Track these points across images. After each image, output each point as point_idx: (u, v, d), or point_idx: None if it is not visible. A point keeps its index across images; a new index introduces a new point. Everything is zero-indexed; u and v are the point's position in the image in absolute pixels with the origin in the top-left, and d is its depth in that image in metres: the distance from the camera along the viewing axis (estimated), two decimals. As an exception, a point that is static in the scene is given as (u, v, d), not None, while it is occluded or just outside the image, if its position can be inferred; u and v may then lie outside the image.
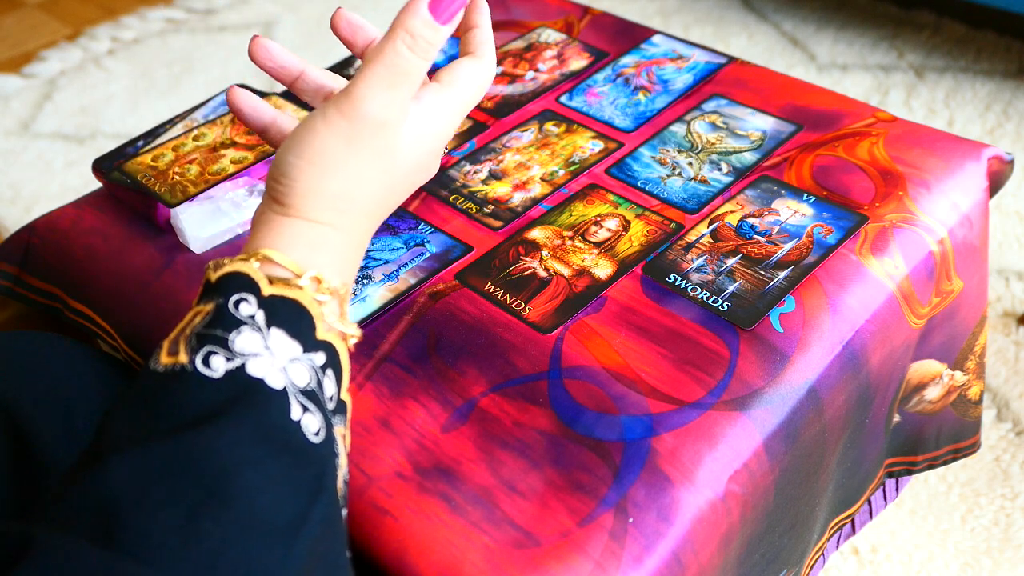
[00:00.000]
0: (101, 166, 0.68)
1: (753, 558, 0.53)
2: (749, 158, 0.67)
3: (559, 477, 0.47)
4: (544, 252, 0.60)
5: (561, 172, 0.67)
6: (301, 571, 0.33)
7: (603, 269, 0.59)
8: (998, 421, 0.93)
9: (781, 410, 0.51)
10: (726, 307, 0.55)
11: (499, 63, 0.79)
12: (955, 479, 0.88)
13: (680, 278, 0.57)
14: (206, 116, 0.72)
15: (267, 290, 0.37)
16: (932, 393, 0.67)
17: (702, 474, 0.47)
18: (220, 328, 0.36)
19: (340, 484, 0.38)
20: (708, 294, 0.56)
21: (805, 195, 0.63)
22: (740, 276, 0.57)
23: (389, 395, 0.52)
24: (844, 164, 0.65)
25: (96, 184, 0.71)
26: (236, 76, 1.55)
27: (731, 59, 0.77)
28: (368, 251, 0.61)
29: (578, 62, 0.79)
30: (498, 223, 0.63)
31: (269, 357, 0.36)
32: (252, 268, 0.38)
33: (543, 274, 0.58)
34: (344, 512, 0.39)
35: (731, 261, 0.58)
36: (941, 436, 0.72)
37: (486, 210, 0.64)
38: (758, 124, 0.70)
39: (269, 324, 0.36)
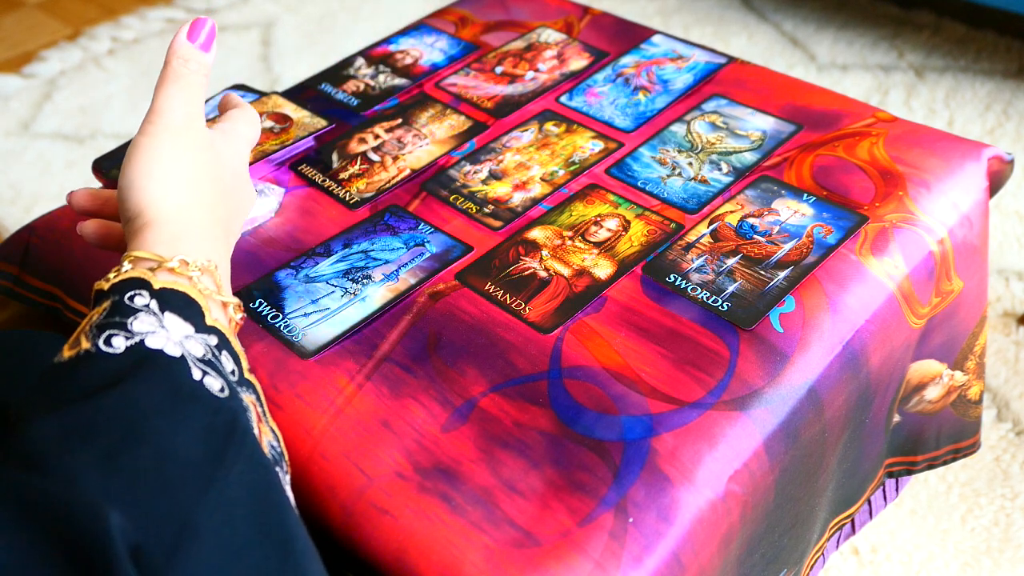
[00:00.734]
0: (101, 166, 0.68)
1: (753, 558, 0.53)
2: (749, 158, 0.67)
3: (559, 477, 0.47)
4: (544, 252, 0.60)
5: (561, 172, 0.67)
6: (222, 507, 0.35)
7: (603, 269, 0.58)
8: (998, 421, 0.93)
9: (781, 410, 0.51)
10: (726, 307, 0.55)
11: (499, 63, 0.79)
12: (955, 479, 0.88)
13: (680, 278, 0.57)
14: (206, 115, 0.72)
15: (158, 284, 0.41)
16: (932, 393, 0.68)
17: (702, 474, 0.47)
18: (118, 316, 0.39)
19: (265, 447, 0.40)
20: (708, 294, 0.56)
21: (805, 195, 0.63)
22: (740, 276, 0.57)
23: (389, 395, 0.52)
24: (844, 164, 0.65)
25: (96, 184, 0.71)
26: (236, 76, 1.55)
27: (731, 59, 0.77)
28: (368, 251, 0.61)
29: (578, 62, 0.79)
30: (498, 223, 0.63)
31: (164, 333, 0.39)
32: (141, 270, 0.41)
33: (543, 274, 0.58)
34: (283, 474, 0.41)
35: (731, 261, 0.58)
36: (941, 436, 0.72)
37: (486, 210, 0.64)
38: (758, 124, 0.70)
39: (163, 309, 0.40)
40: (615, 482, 0.47)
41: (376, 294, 0.58)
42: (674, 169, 0.66)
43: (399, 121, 0.73)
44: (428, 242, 0.62)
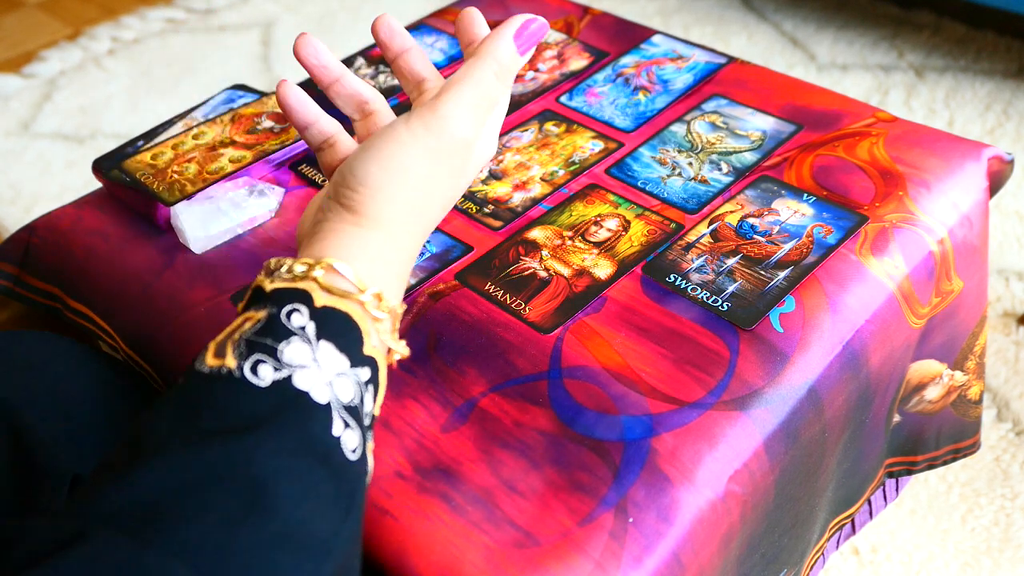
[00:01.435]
0: (101, 166, 0.68)
1: (753, 558, 0.53)
2: (749, 158, 0.67)
3: (559, 477, 0.47)
4: (544, 252, 0.60)
5: (561, 172, 0.67)
6: None
7: (603, 269, 0.58)
8: (998, 421, 0.93)
9: (781, 410, 0.51)
10: (726, 307, 0.55)
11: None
12: (955, 479, 0.88)
13: (680, 278, 0.57)
14: (206, 115, 0.72)
15: (320, 301, 0.37)
16: (932, 393, 0.67)
17: (702, 474, 0.47)
18: (271, 337, 0.36)
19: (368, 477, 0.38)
20: (708, 294, 0.56)
21: (805, 195, 0.63)
22: (740, 276, 0.57)
23: (389, 395, 0.52)
24: (844, 164, 0.65)
25: (96, 184, 0.71)
26: (236, 76, 1.55)
27: (731, 59, 0.77)
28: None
29: (578, 62, 0.79)
30: (498, 223, 0.63)
31: (316, 370, 0.36)
32: (308, 283, 0.38)
33: (543, 274, 0.58)
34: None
35: (731, 261, 0.58)
36: (941, 436, 0.72)
37: (486, 210, 0.64)
38: (758, 124, 0.70)
39: (319, 336, 0.36)
40: (615, 482, 0.47)
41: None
42: (674, 169, 0.66)
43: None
44: (428, 242, 0.62)
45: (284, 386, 0.35)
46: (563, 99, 0.75)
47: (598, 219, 0.62)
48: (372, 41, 0.95)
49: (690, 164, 0.67)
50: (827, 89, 0.73)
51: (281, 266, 0.39)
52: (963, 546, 0.83)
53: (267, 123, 0.71)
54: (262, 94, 0.75)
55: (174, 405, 0.35)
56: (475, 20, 0.46)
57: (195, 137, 0.69)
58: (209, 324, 0.57)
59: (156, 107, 1.50)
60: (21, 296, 0.66)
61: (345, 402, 0.36)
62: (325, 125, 0.47)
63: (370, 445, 0.38)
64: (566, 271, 0.59)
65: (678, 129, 0.70)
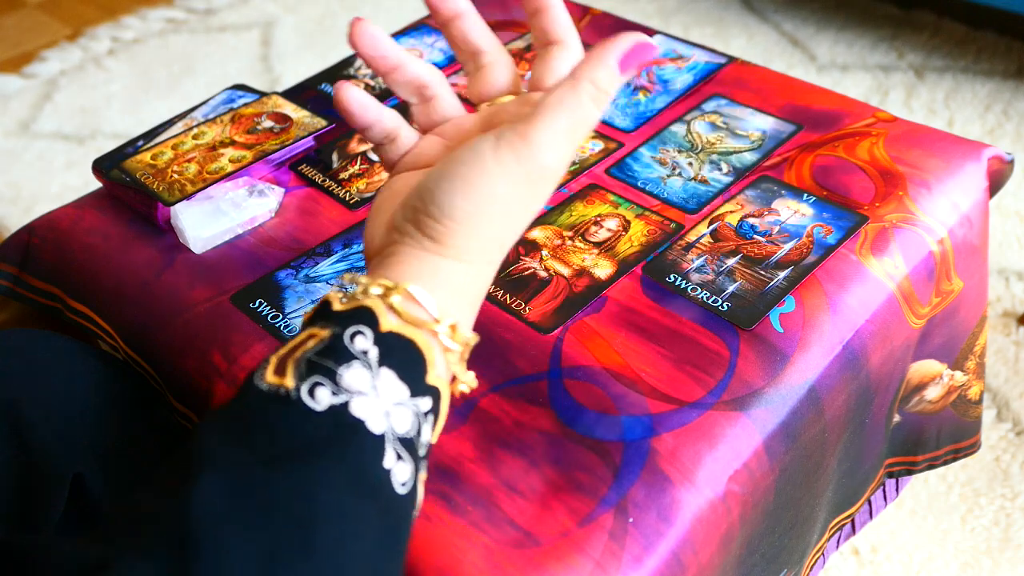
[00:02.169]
0: (101, 166, 0.68)
1: (753, 558, 0.53)
2: (749, 158, 0.67)
3: (559, 477, 0.47)
4: (544, 252, 0.60)
5: (561, 172, 0.67)
6: None
7: (603, 269, 0.59)
8: (998, 421, 0.93)
9: (781, 410, 0.51)
10: (726, 307, 0.55)
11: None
12: (955, 479, 0.88)
13: (680, 278, 0.57)
14: (206, 115, 0.72)
15: (385, 326, 0.36)
16: (932, 393, 0.67)
17: (702, 474, 0.47)
18: (332, 360, 0.35)
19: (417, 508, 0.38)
20: (708, 294, 0.56)
21: (805, 195, 0.63)
22: (740, 276, 0.57)
23: (389, 395, 0.52)
24: (844, 164, 0.65)
25: (96, 184, 0.71)
26: (236, 76, 1.55)
27: (731, 59, 0.77)
28: (368, 251, 0.61)
29: (578, 62, 0.79)
30: (498, 223, 0.63)
31: (375, 398, 0.35)
32: (377, 301, 0.37)
33: (543, 274, 0.58)
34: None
35: (731, 261, 0.58)
36: (941, 436, 0.72)
37: (486, 210, 0.64)
38: (758, 124, 0.70)
39: (381, 363, 0.35)
40: (615, 482, 0.47)
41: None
42: (674, 169, 0.66)
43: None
44: (428, 242, 0.62)
45: (340, 412, 0.34)
46: (563, 99, 0.74)
47: (598, 219, 0.62)
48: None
49: (690, 164, 0.67)
50: (827, 89, 0.73)
51: (355, 283, 0.38)
52: (963, 546, 0.83)
53: (267, 123, 0.71)
54: (262, 94, 0.75)
55: (227, 420, 0.35)
56: None
57: (195, 137, 0.69)
58: (209, 324, 0.57)
59: (156, 107, 1.51)
60: (21, 296, 0.66)
61: (400, 433, 0.35)
62: (387, 121, 0.45)
63: (422, 476, 0.38)
64: (566, 271, 0.59)
65: (678, 129, 0.70)
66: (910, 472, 0.72)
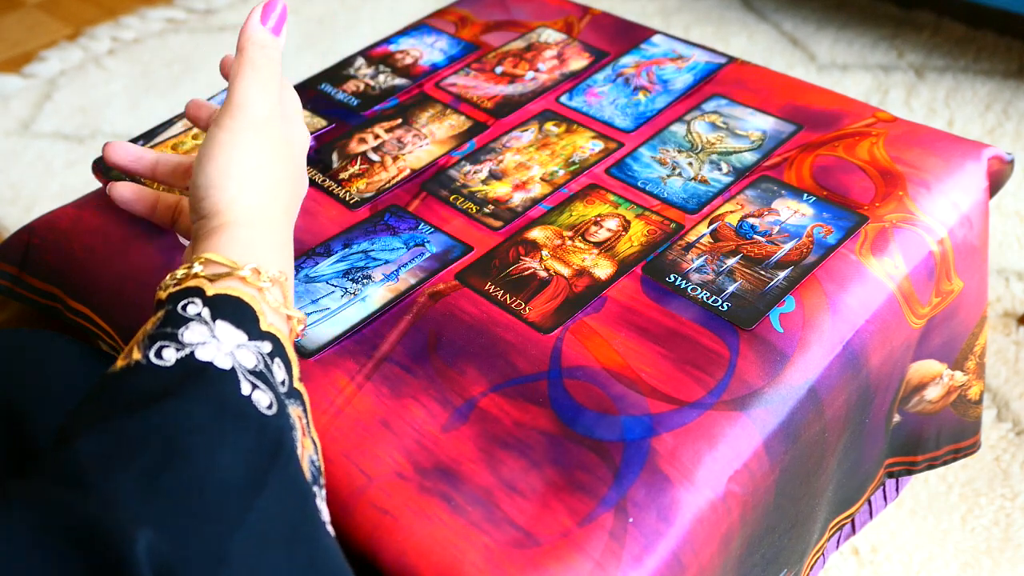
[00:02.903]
0: (101, 166, 0.68)
1: (753, 558, 0.53)
2: (749, 158, 0.67)
3: (559, 477, 0.47)
4: (544, 252, 0.60)
5: (561, 172, 0.67)
6: (261, 529, 0.35)
7: (603, 269, 0.58)
8: (998, 421, 0.93)
9: (781, 410, 0.51)
10: (726, 307, 0.55)
11: (499, 63, 0.79)
12: (955, 479, 0.88)
13: (680, 278, 0.57)
14: (206, 116, 0.72)
15: (211, 290, 0.40)
16: (932, 393, 0.67)
17: (702, 474, 0.47)
18: (170, 327, 0.38)
19: (306, 464, 0.40)
20: (708, 294, 0.56)
21: (805, 195, 0.63)
22: (740, 276, 0.57)
23: (389, 395, 0.52)
24: (844, 164, 0.65)
25: (96, 184, 0.71)
26: (236, 76, 1.55)
27: (731, 59, 0.77)
28: (368, 251, 0.61)
29: (578, 62, 0.79)
30: (498, 223, 0.63)
31: (216, 344, 0.38)
32: (196, 279, 0.41)
33: (543, 274, 0.58)
34: (319, 491, 0.41)
35: (731, 261, 0.58)
36: (941, 436, 0.72)
37: (486, 210, 0.64)
38: (758, 124, 0.70)
39: (215, 318, 0.39)
40: (615, 482, 0.47)
41: (376, 294, 0.58)
42: (674, 169, 0.66)
43: (399, 121, 0.73)
44: (428, 242, 0.62)
45: (188, 361, 0.37)
46: (563, 99, 0.75)
47: (598, 219, 0.62)
48: (372, 41, 0.95)
49: (690, 164, 0.67)
50: (827, 89, 0.73)
51: (169, 278, 0.42)
52: (963, 546, 0.83)
53: (267, 123, 0.71)
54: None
55: (90, 401, 0.37)
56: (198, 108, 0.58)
57: (195, 137, 0.69)
58: (209, 324, 0.57)
59: (156, 107, 1.51)
60: (21, 296, 0.66)
61: (249, 367, 0.38)
62: (165, 199, 0.54)
63: (296, 410, 0.40)
64: (566, 271, 0.59)
65: (678, 129, 0.70)
66: (910, 472, 0.72)
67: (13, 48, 1.69)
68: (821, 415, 0.53)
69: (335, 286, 0.59)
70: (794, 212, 0.61)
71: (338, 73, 0.80)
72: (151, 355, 0.37)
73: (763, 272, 0.57)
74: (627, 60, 0.78)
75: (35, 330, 0.56)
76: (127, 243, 0.64)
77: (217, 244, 0.43)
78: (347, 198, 0.66)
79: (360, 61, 0.81)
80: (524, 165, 0.68)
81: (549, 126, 0.72)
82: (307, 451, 0.41)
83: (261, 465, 0.36)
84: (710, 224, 0.61)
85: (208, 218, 0.44)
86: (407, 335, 0.55)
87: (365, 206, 0.65)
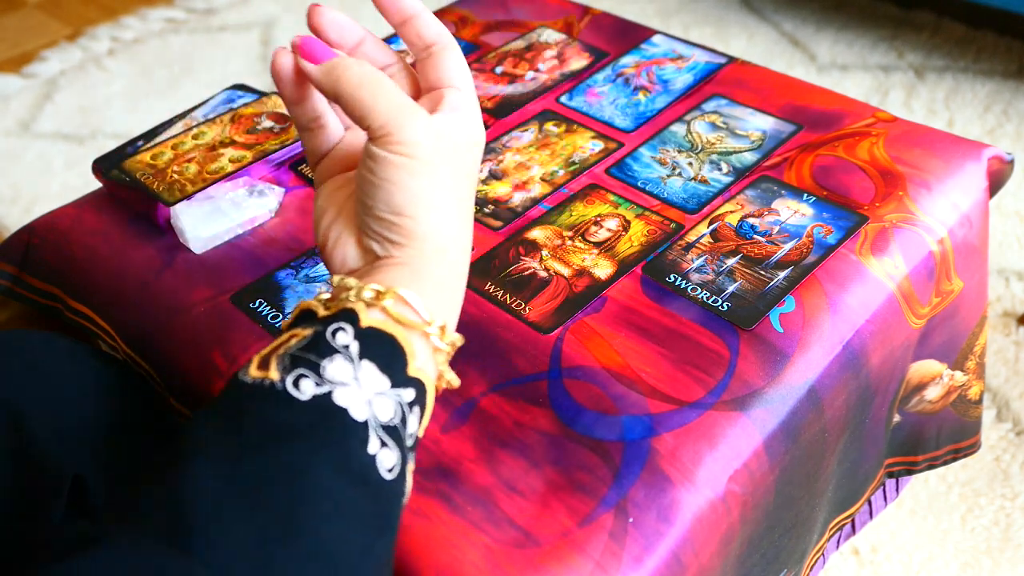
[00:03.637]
0: (101, 166, 0.68)
1: (753, 558, 0.53)
2: (749, 158, 0.67)
3: (559, 477, 0.47)
4: (544, 252, 0.60)
5: (561, 172, 0.67)
6: None
7: (603, 269, 0.59)
8: (998, 421, 0.93)
9: (781, 410, 0.51)
10: (726, 307, 0.55)
11: (499, 63, 0.79)
12: (955, 479, 0.88)
13: (680, 278, 0.57)
14: (206, 115, 0.72)
15: (365, 322, 0.38)
16: (932, 393, 0.68)
17: (702, 474, 0.47)
18: (314, 353, 0.36)
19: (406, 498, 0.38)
20: (708, 294, 0.56)
21: (805, 195, 0.63)
22: (740, 276, 0.57)
23: (389, 395, 0.52)
24: (844, 164, 0.65)
25: (96, 184, 0.71)
26: (236, 76, 1.55)
27: (731, 59, 0.77)
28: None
29: (578, 62, 0.79)
30: (498, 223, 0.63)
31: (356, 388, 0.36)
32: (358, 304, 0.38)
33: (543, 274, 0.58)
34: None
35: (731, 261, 0.58)
36: (941, 436, 0.72)
37: (486, 210, 0.64)
38: (758, 124, 0.70)
39: (362, 356, 0.37)
40: (615, 482, 0.47)
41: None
42: (674, 169, 0.66)
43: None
44: (428, 242, 0.62)
45: (324, 401, 0.35)
46: (563, 99, 0.75)
47: (598, 219, 0.62)
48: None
49: (690, 164, 0.67)
50: (827, 89, 0.73)
51: (349, 289, 0.39)
52: (963, 546, 0.83)
53: (267, 123, 0.71)
54: (262, 94, 0.75)
55: (215, 413, 0.36)
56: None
57: (195, 137, 0.69)
58: (209, 324, 0.57)
59: (156, 107, 1.51)
60: (21, 296, 0.66)
61: (383, 421, 0.36)
62: (318, 101, 0.46)
63: (410, 466, 0.39)
64: (566, 271, 0.59)
65: (678, 129, 0.70)
66: (910, 472, 0.72)
67: (13, 48, 1.70)
68: (821, 415, 0.53)
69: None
70: (794, 212, 0.61)
71: (338, 73, 0.80)
72: (289, 382, 0.35)
73: (763, 272, 0.57)
74: (627, 60, 0.78)
75: (35, 331, 0.56)
76: (127, 243, 0.64)
77: (412, 279, 0.40)
78: (347, 198, 0.66)
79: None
80: (524, 165, 0.68)
81: (549, 126, 0.72)
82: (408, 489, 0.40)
83: (368, 540, 0.35)
84: (710, 224, 0.61)
85: (398, 245, 0.41)
86: (407, 335, 0.55)
87: (365, 206, 0.65)
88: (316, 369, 0.36)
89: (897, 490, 0.78)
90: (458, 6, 0.89)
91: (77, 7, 1.81)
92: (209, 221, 0.62)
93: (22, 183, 1.36)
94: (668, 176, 0.66)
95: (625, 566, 0.44)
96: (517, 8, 0.87)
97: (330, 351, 0.36)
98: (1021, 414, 0.93)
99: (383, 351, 0.37)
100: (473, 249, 0.60)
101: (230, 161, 0.67)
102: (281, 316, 0.57)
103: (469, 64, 0.79)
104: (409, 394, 0.38)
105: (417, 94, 0.46)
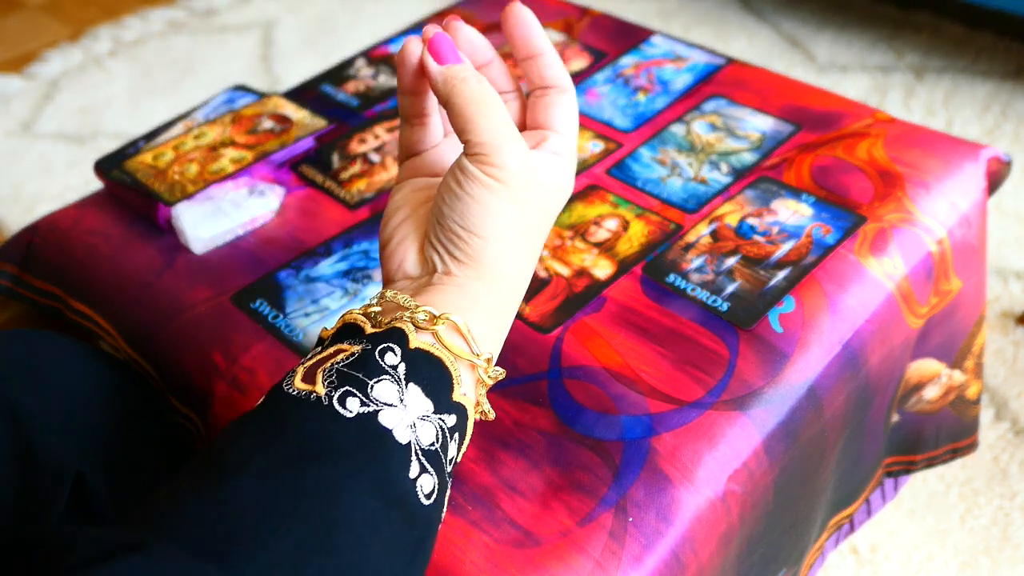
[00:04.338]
0: (102, 166, 0.68)
1: (752, 557, 0.53)
2: (748, 158, 0.67)
3: (559, 477, 0.47)
4: (544, 252, 0.60)
5: (561, 172, 0.67)
6: None
7: (603, 269, 0.59)
8: (996, 420, 0.93)
9: (780, 410, 0.51)
10: (726, 307, 0.55)
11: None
12: (954, 478, 0.88)
13: (680, 278, 0.57)
14: (206, 116, 0.72)
15: (414, 343, 0.38)
16: (931, 392, 0.68)
17: (702, 474, 0.48)
18: (363, 372, 0.36)
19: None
20: (708, 294, 0.56)
21: (804, 195, 0.63)
22: (740, 276, 0.57)
23: (389, 395, 0.52)
24: (843, 164, 0.65)
25: (97, 184, 0.71)
26: (236, 76, 1.55)
27: (730, 60, 0.77)
28: (369, 251, 0.61)
29: (578, 62, 0.79)
30: (498, 223, 0.63)
31: (401, 411, 0.36)
32: (408, 325, 0.38)
33: (543, 274, 0.59)
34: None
35: (731, 261, 0.58)
36: (940, 435, 0.72)
37: (486, 210, 0.64)
38: (757, 124, 0.70)
39: (408, 379, 0.37)
40: (615, 482, 0.47)
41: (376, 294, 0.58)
42: (674, 169, 0.66)
43: (400, 121, 0.73)
44: (428, 242, 0.62)
45: (368, 421, 0.35)
46: (563, 100, 0.75)
47: (598, 219, 0.63)
48: (372, 42, 0.95)
49: (690, 164, 0.67)
50: (826, 90, 0.73)
51: (403, 308, 0.39)
52: (962, 545, 0.83)
53: (268, 123, 0.72)
54: (263, 94, 0.75)
55: (259, 423, 0.36)
56: (527, 26, 0.44)
57: (196, 137, 0.70)
58: (209, 324, 0.58)
59: (157, 107, 1.51)
60: (22, 296, 0.67)
61: (425, 445, 0.36)
62: (431, 99, 0.46)
63: (447, 493, 0.39)
64: (566, 271, 0.59)
65: (678, 129, 0.70)
66: (909, 471, 0.72)
67: (14, 49, 1.70)
68: (820, 415, 0.53)
69: (335, 286, 0.59)
70: (793, 212, 0.62)
71: (339, 74, 0.80)
72: (335, 399, 0.35)
73: (762, 272, 0.57)
74: (627, 61, 0.78)
75: (36, 330, 0.56)
76: (128, 243, 0.64)
77: (468, 306, 0.40)
78: (348, 198, 0.66)
79: (361, 62, 0.82)
80: (524, 166, 0.68)
81: (549, 127, 0.72)
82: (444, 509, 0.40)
83: (401, 566, 0.35)
84: (710, 224, 0.61)
85: (462, 262, 0.41)
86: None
87: (366, 206, 0.65)
88: (363, 388, 0.36)
89: (896, 489, 0.78)
90: (459, 7, 0.89)
91: (78, 8, 1.81)
92: (210, 221, 0.63)
93: (23, 183, 1.37)
94: (668, 176, 0.66)
95: (625, 565, 0.44)
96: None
97: (379, 371, 0.36)
98: (1019, 413, 0.93)
99: (430, 375, 0.38)
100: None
101: (231, 161, 0.67)
102: (282, 316, 0.57)
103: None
104: (451, 420, 0.38)
105: (522, 127, 0.46)
